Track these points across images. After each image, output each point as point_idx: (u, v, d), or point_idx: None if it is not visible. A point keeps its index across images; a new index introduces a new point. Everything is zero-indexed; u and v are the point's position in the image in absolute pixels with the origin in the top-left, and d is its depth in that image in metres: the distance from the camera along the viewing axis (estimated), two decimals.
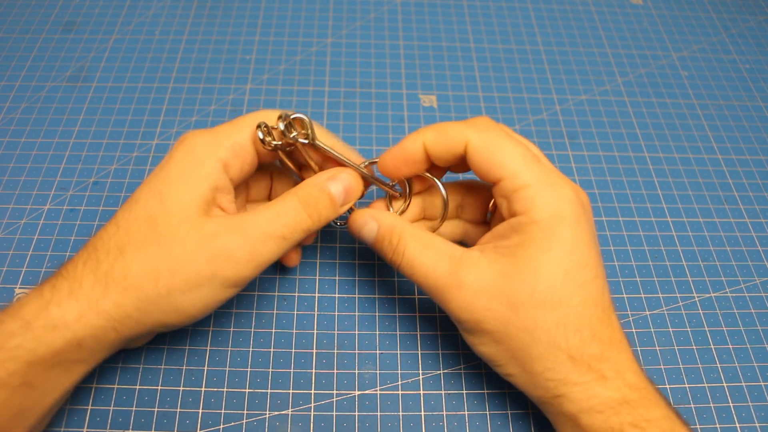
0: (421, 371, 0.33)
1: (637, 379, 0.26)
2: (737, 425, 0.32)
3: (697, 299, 0.37)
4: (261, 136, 0.28)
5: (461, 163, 0.29)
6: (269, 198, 0.34)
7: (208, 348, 0.33)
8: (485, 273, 0.27)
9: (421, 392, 0.32)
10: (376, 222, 0.30)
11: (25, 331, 0.24)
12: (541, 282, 0.26)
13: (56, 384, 0.25)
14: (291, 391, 0.32)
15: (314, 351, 0.33)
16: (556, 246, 0.26)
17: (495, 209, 0.32)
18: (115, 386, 0.32)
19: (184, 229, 0.26)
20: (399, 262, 0.29)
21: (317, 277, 0.36)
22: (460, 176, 0.37)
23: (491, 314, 0.26)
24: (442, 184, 0.31)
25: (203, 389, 0.32)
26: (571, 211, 0.27)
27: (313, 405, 0.32)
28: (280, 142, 0.29)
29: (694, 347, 0.35)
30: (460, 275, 0.27)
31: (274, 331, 0.34)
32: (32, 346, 0.24)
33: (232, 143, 0.28)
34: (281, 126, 0.28)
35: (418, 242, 0.29)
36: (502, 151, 0.27)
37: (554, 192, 0.27)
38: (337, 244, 0.38)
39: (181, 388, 0.32)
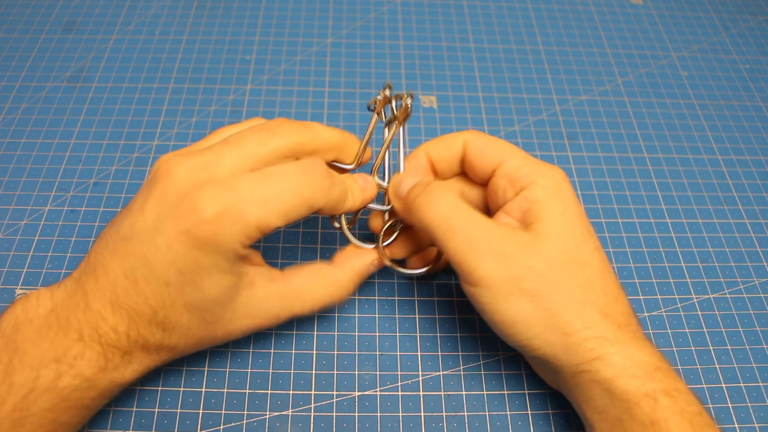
0: (420, 372, 0.33)
1: (659, 351, 0.27)
2: (736, 426, 0.32)
3: (695, 300, 0.37)
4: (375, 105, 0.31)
5: (460, 169, 0.32)
6: None
7: (209, 349, 0.33)
8: (520, 237, 0.28)
9: (421, 393, 0.33)
10: (420, 175, 0.32)
11: (89, 388, 0.25)
12: (569, 242, 0.28)
13: (99, 405, 0.27)
14: (291, 392, 0.32)
15: (314, 352, 0.33)
16: (569, 211, 0.28)
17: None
18: None
19: (228, 315, 0.27)
20: (436, 203, 0.28)
21: None
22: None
23: (531, 271, 0.27)
24: None
25: (203, 390, 0.32)
26: (566, 185, 0.29)
27: (313, 406, 0.32)
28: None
29: (693, 348, 0.35)
30: (501, 233, 0.28)
31: (274, 332, 0.34)
32: (93, 396, 0.26)
33: (261, 232, 0.26)
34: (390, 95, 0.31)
35: (456, 198, 0.29)
36: (498, 143, 0.31)
37: (550, 171, 0.30)
38: (336, 245, 0.38)
39: (182, 389, 0.32)
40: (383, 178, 0.33)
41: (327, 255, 0.37)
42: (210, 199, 0.24)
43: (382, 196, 0.33)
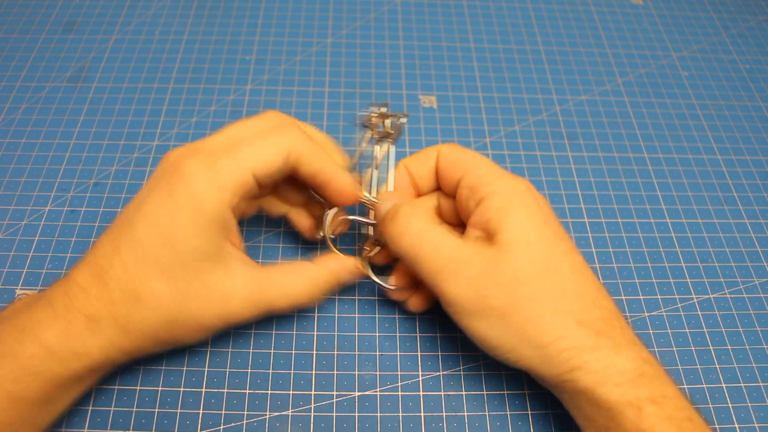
0: (420, 372, 0.33)
1: (647, 353, 0.27)
2: (736, 426, 0.32)
3: (695, 300, 0.37)
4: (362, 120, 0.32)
5: (437, 183, 0.32)
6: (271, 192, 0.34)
7: (209, 349, 0.33)
8: (485, 253, 0.27)
9: (421, 393, 0.33)
10: (396, 198, 0.32)
11: (49, 357, 0.25)
12: (535, 251, 0.27)
13: (69, 397, 0.27)
14: (291, 392, 0.32)
15: (314, 352, 0.33)
16: (532, 218, 0.28)
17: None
18: (116, 387, 0.32)
19: (202, 288, 0.27)
20: (404, 232, 0.29)
21: None
22: None
23: (497, 289, 0.27)
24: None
25: (203, 390, 0.32)
26: (529, 193, 0.29)
27: (313, 406, 0.32)
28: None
29: (693, 348, 0.35)
30: (466, 253, 0.28)
31: (274, 332, 0.34)
32: (55, 369, 0.25)
33: (236, 184, 0.27)
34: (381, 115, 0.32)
35: (428, 219, 0.30)
36: (466, 153, 0.31)
37: (512, 180, 0.29)
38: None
39: (182, 389, 0.32)
40: (370, 193, 0.33)
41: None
42: (191, 162, 0.26)
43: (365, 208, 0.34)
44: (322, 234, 0.33)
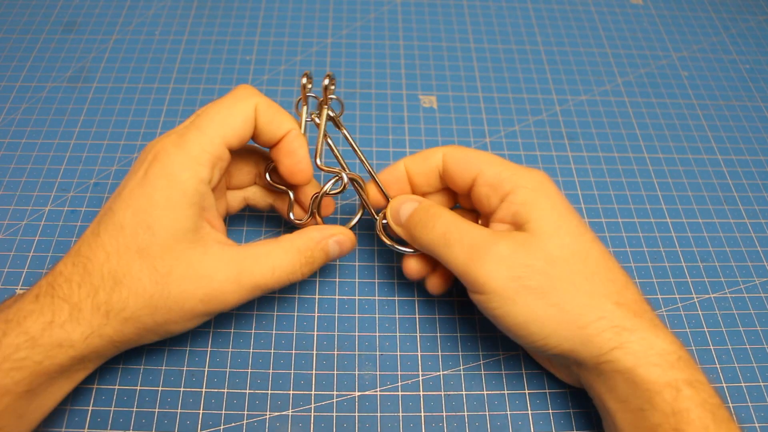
0: (420, 372, 0.33)
1: (678, 339, 0.27)
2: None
3: (696, 300, 0.37)
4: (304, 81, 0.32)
5: (440, 183, 0.33)
6: (254, 182, 0.34)
7: (209, 349, 0.33)
8: (517, 238, 0.28)
9: (421, 393, 0.33)
10: (417, 201, 0.32)
11: (31, 346, 0.25)
12: (564, 236, 0.28)
13: (58, 390, 0.27)
14: (291, 392, 0.32)
15: (314, 352, 0.33)
16: (558, 207, 0.29)
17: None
18: (116, 387, 0.32)
19: (182, 270, 0.27)
20: (434, 225, 0.29)
21: (317, 279, 0.36)
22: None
23: (532, 269, 0.27)
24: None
25: (204, 390, 0.32)
26: (550, 184, 0.30)
27: (313, 406, 0.32)
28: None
29: (693, 348, 0.35)
30: (497, 237, 0.28)
31: (274, 332, 0.34)
32: (39, 359, 0.25)
33: (208, 157, 0.27)
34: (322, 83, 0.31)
35: (453, 214, 0.30)
36: (475, 153, 0.31)
37: (532, 172, 0.30)
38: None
39: (182, 389, 0.32)
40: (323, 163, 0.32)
41: None
42: (163, 143, 0.27)
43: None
44: (307, 216, 0.32)
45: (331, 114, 0.33)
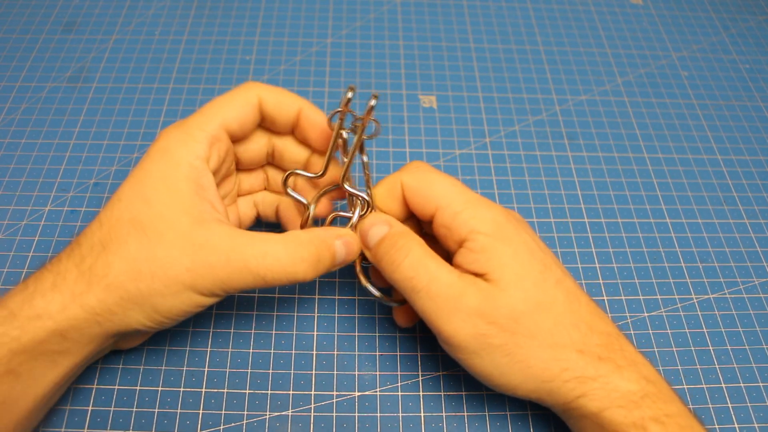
0: (420, 373, 0.33)
1: (649, 371, 0.27)
2: (736, 426, 0.33)
3: (695, 300, 0.37)
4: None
5: (409, 211, 0.31)
6: (264, 187, 0.34)
7: (209, 349, 0.33)
8: (480, 290, 0.27)
9: (421, 393, 0.33)
10: (387, 225, 0.30)
11: (9, 320, 0.24)
12: (527, 287, 0.27)
13: (42, 375, 0.25)
14: (291, 392, 0.32)
15: (314, 352, 0.33)
16: (519, 253, 0.27)
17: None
18: (116, 387, 0.32)
19: (171, 235, 0.26)
20: (400, 263, 0.28)
21: (317, 279, 0.36)
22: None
23: (497, 327, 0.26)
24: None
25: (203, 390, 0.32)
26: (509, 225, 0.28)
27: (313, 406, 0.32)
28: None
29: (693, 348, 0.35)
30: (462, 288, 0.27)
31: (274, 332, 0.34)
32: (16, 334, 0.24)
33: (205, 135, 0.28)
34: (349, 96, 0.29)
35: (424, 250, 0.28)
36: (432, 185, 0.29)
37: (489, 212, 0.28)
38: None
39: (182, 389, 0.32)
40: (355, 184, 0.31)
41: None
42: (167, 129, 0.29)
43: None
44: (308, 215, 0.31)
45: (364, 137, 0.30)
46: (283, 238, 0.28)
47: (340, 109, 0.29)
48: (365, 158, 0.30)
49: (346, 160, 0.30)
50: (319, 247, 0.28)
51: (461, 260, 0.28)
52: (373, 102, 0.28)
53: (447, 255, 0.29)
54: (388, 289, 0.32)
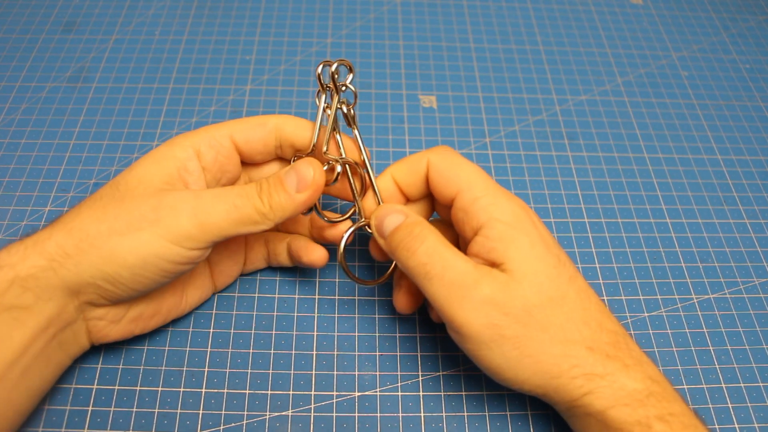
0: (420, 373, 0.33)
1: (654, 370, 0.27)
2: (736, 426, 0.32)
3: (695, 300, 0.37)
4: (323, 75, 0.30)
5: (427, 190, 0.31)
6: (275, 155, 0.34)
7: (209, 349, 0.33)
8: (495, 279, 0.27)
9: (421, 393, 0.33)
10: (404, 215, 0.30)
11: None
12: (542, 281, 0.27)
13: (7, 336, 0.25)
14: (291, 393, 0.32)
15: (314, 353, 0.33)
16: (536, 246, 0.27)
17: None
18: (116, 387, 0.32)
19: (141, 189, 0.27)
20: (416, 249, 0.28)
21: (317, 279, 0.36)
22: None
23: (510, 318, 0.26)
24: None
25: (203, 390, 0.32)
26: (527, 218, 0.28)
27: (313, 406, 0.32)
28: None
29: (693, 348, 0.35)
30: (478, 277, 0.27)
31: (274, 332, 0.34)
32: None
33: (209, 135, 0.30)
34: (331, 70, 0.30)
35: (439, 238, 0.28)
36: (458, 168, 0.30)
37: (509, 203, 0.28)
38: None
39: (182, 390, 0.32)
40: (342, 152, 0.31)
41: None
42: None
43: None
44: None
45: (344, 108, 0.31)
46: (244, 191, 0.28)
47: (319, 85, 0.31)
48: (356, 132, 0.32)
49: (339, 136, 0.31)
50: (263, 182, 0.28)
51: (477, 248, 0.28)
52: (336, 66, 0.30)
53: (458, 246, 0.29)
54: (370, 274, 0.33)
